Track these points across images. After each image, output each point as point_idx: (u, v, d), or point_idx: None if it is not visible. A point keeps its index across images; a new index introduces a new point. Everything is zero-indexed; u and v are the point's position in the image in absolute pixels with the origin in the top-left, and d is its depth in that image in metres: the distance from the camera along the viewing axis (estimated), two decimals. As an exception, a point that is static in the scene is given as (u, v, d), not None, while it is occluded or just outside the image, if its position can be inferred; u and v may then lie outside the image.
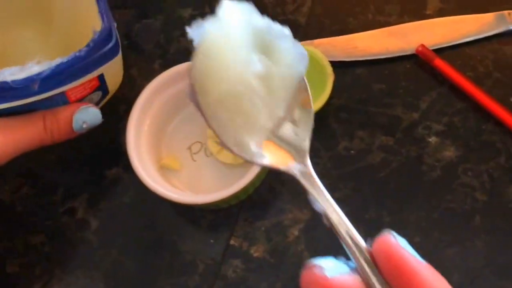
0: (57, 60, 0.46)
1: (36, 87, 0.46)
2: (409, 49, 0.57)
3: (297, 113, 0.32)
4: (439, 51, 0.57)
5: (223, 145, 0.31)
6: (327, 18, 0.60)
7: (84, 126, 0.49)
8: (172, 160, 0.54)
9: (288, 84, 0.32)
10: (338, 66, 0.56)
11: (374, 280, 0.28)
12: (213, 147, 0.54)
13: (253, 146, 0.31)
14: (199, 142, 0.55)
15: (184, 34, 0.60)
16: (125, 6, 0.62)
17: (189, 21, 0.60)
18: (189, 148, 0.55)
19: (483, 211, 0.52)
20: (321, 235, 0.52)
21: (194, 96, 0.30)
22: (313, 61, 0.55)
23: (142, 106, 0.52)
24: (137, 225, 0.54)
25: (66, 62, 0.46)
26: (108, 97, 0.54)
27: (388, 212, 0.52)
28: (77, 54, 0.46)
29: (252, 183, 0.49)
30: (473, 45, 0.58)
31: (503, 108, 0.54)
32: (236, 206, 0.54)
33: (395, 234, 0.28)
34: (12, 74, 0.47)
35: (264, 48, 0.31)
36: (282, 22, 0.59)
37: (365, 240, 0.29)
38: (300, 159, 0.32)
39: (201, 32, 0.30)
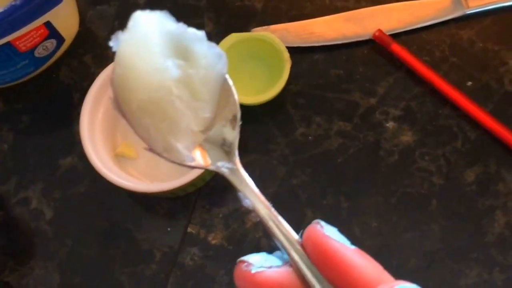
0: None
1: None
2: (366, 34, 0.57)
3: (226, 112, 0.32)
4: (396, 36, 0.57)
5: (152, 151, 0.31)
6: (284, 3, 0.59)
7: None
8: (128, 148, 0.54)
9: (210, 85, 0.31)
10: (295, 52, 0.55)
11: (306, 271, 0.28)
12: None
13: (182, 149, 0.31)
14: None
15: (139, 20, 0.60)
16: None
17: (144, 7, 0.60)
18: None
19: (440, 195, 0.52)
20: (279, 221, 0.52)
21: (117, 105, 0.30)
22: (269, 47, 0.54)
23: (95, 94, 0.51)
24: (93, 214, 0.53)
25: (3, 12, 0.46)
26: (66, 44, 0.55)
27: (346, 198, 0.52)
28: (13, 3, 0.47)
29: (209, 170, 0.48)
30: (429, 30, 0.58)
31: (459, 92, 0.54)
32: (194, 194, 0.53)
33: (322, 223, 0.28)
34: None
35: (181, 53, 0.30)
36: (239, 8, 0.59)
37: (298, 233, 0.29)
38: (230, 157, 0.32)
39: (117, 43, 0.29)
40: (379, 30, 0.56)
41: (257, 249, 0.51)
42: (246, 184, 0.31)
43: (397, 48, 0.55)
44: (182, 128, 0.31)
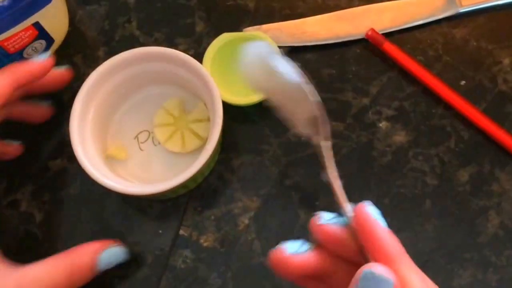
0: None
1: None
2: (358, 33, 0.57)
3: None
4: (389, 35, 0.57)
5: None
6: (276, 2, 0.59)
7: (109, 266, 0.48)
8: (119, 150, 0.53)
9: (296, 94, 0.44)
10: (287, 51, 0.55)
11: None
12: (160, 135, 0.53)
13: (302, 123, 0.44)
14: (147, 130, 0.54)
15: (129, 20, 0.60)
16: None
17: (134, 8, 0.59)
18: (136, 137, 0.54)
19: (434, 196, 0.52)
20: (271, 223, 0.51)
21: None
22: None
23: (86, 95, 0.50)
24: (84, 217, 0.53)
25: None
26: (56, 45, 0.55)
27: (339, 198, 0.52)
28: (1, 4, 0.46)
29: (200, 171, 0.48)
30: (423, 29, 0.57)
31: (453, 91, 0.54)
32: (185, 196, 0.53)
33: (369, 203, 0.38)
34: None
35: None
36: (231, 7, 0.59)
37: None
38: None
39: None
40: (372, 29, 0.56)
41: (250, 251, 0.51)
42: (330, 158, 0.42)
43: (389, 47, 0.55)
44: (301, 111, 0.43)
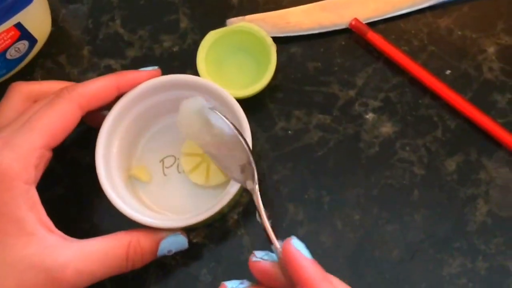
0: None
1: None
2: (342, 23, 0.56)
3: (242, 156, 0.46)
4: (373, 25, 0.57)
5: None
6: (260, -4, 0.59)
7: (168, 253, 0.48)
8: (143, 172, 0.52)
9: (231, 144, 0.47)
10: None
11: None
12: (186, 165, 0.52)
13: (235, 175, 0.47)
14: (173, 156, 0.53)
15: (113, 18, 0.59)
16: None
17: (118, 5, 0.59)
18: (162, 161, 0.53)
19: (422, 186, 0.52)
20: (260, 217, 0.51)
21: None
22: (251, 36, 0.54)
23: (118, 113, 0.49)
24: (72, 216, 0.53)
25: None
26: (39, 45, 0.56)
27: (328, 191, 0.52)
28: None
29: (220, 211, 0.47)
30: (407, 18, 0.57)
31: (438, 81, 0.54)
32: (174, 193, 0.53)
33: (294, 238, 0.41)
34: None
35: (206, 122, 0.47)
36: (215, 3, 0.59)
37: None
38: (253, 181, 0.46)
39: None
40: (355, 19, 0.56)
41: (240, 247, 0.51)
42: (259, 204, 0.45)
43: (373, 36, 0.55)
44: (230, 163, 0.47)
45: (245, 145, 0.46)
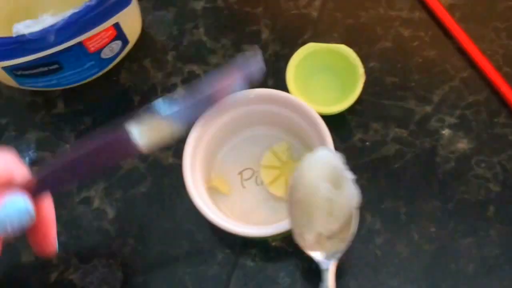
0: (70, 11, 0.48)
1: (52, 38, 0.48)
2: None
3: (344, 234, 0.46)
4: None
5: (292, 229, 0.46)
6: (340, 12, 0.61)
7: (10, 229, 0.36)
8: (223, 184, 0.53)
9: (343, 211, 0.45)
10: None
11: None
12: (265, 176, 0.53)
13: (308, 238, 0.46)
14: (251, 169, 0.54)
15: (197, 26, 0.61)
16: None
17: (202, 14, 0.61)
18: (241, 173, 0.54)
19: (497, 202, 0.53)
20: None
21: (290, 192, 0.46)
22: (345, 60, 0.55)
23: (203, 124, 0.49)
24: (155, 215, 0.54)
25: (79, 12, 0.48)
26: (129, 47, 0.57)
27: (404, 203, 0.53)
28: (88, 3, 0.49)
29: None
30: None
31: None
32: (253, 196, 0.54)
33: None
34: (27, 26, 0.49)
35: (335, 182, 0.45)
36: (295, 16, 0.60)
37: None
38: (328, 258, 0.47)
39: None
40: None
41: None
42: (327, 282, 0.46)
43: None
44: (314, 227, 0.46)
45: (354, 224, 0.45)
